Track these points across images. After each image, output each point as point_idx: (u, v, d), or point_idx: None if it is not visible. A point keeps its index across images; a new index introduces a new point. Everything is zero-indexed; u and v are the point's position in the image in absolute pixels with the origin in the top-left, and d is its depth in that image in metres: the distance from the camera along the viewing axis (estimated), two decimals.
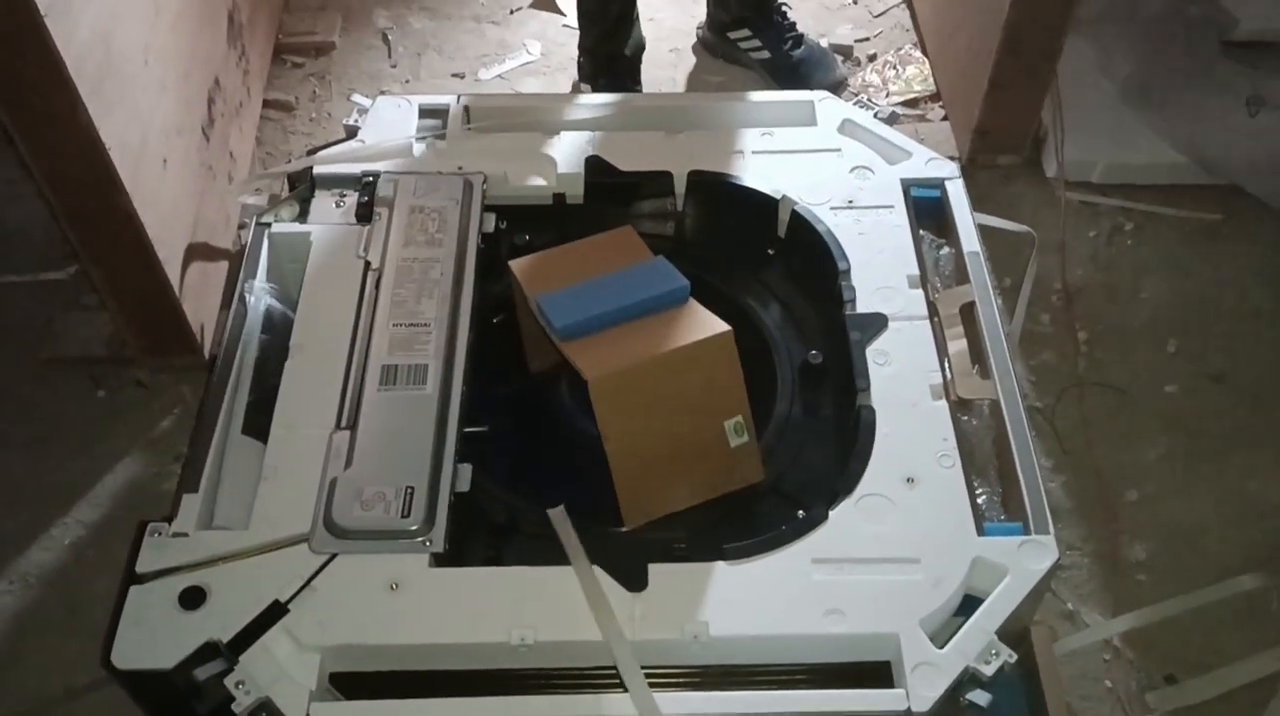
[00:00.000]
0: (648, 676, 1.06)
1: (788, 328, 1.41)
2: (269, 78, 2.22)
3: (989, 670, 1.04)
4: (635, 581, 1.09)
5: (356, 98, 1.60)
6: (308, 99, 2.22)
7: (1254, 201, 1.96)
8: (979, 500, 1.20)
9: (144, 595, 1.09)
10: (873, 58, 2.29)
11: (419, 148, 1.50)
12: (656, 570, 1.10)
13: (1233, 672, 1.47)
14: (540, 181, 1.48)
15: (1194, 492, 1.65)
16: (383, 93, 1.98)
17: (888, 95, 2.19)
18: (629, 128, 1.54)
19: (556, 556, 1.13)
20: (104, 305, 1.69)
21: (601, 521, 1.20)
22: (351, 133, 1.53)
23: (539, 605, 1.09)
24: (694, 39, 2.32)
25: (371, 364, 1.25)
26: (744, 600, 1.09)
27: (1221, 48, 2.05)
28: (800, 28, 2.21)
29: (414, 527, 1.12)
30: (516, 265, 1.32)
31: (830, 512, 1.15)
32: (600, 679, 1.09)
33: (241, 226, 1.90)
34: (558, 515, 1.15)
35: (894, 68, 2.24)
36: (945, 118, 2.15)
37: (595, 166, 1.48)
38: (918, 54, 2.26)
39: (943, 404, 1.25)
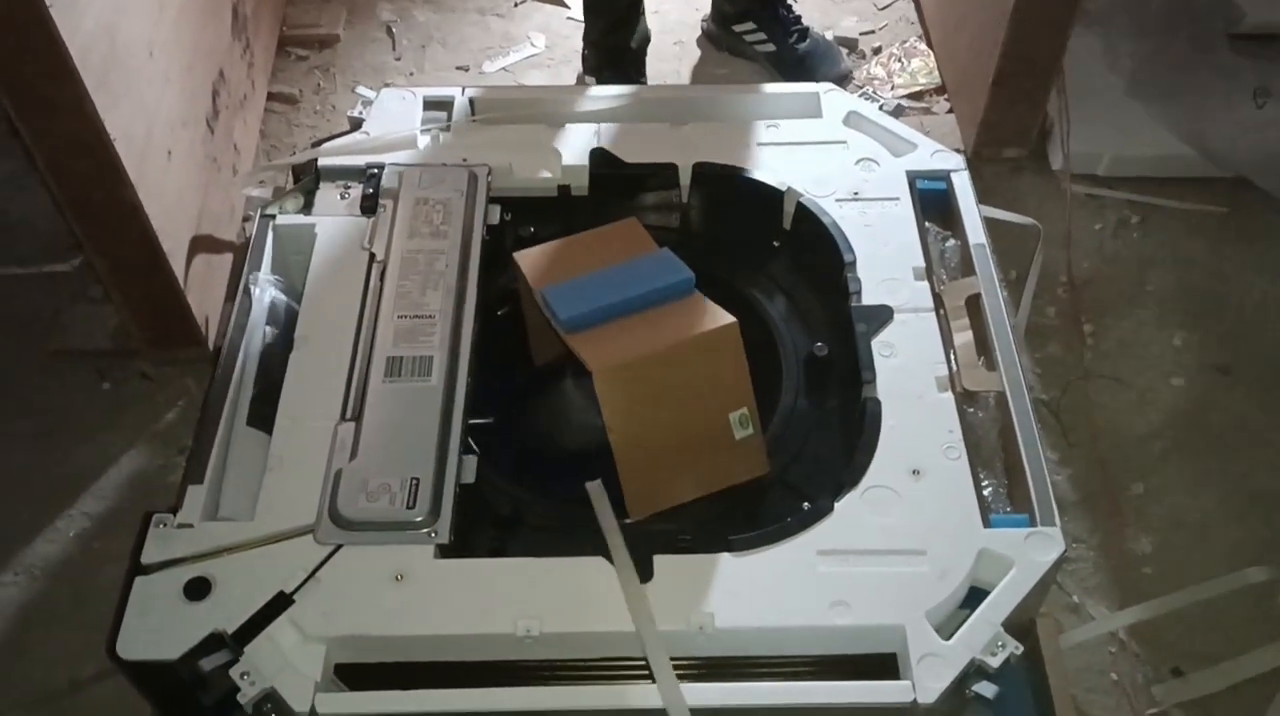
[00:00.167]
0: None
1: (793, 320, 1.41)
2: (273, 70, 2.22)
3: (995, 662, 1.04)
4: (641, 572, 1.09)
5: (361, 89, 1.59)
6: (312, 92, 2.22)
7: (1260, 194, 1.96)
8: (985, 492, 1.19)
9: (149, 586, 1.09)
10: (878, 51, 2.28)
11: (424, 140, 1.50)
12: (662, 561, 1.10)
13: (1239, 665, 1.47)
14: (545, 173, 1.48)
15: (1200, 485, 1.64)
16: (387, 85, 1.97)
17: (893, 88, 2.19)
18: (634, 119, 1.54)
19: (561, 548, 1.13)
20: (109, 297, 1.69)
21: None
22: (356, 125, 1.53)
23: (544, 596, 1.08)
24: (698, 32, 2.32)
25: (376, 355, 1.25)
26: (749, 592, 1.09)
27: (1228, 40, 2.04)
28: (805, 20, 2.20)
29: (419, 519, 1.12)
30: (521, 257, 1.32)
31: (836, 504, 1.15)
32: (606, 670, 1.09)
33: (246, 219, 1.90)
34: (595, 488, 1.15)
35: (899, 60, 2.24)
36: (950, 110, 2.14)
37: (600, 158, 1.48)
38: (923, 47, 2.26)
39: (948, 396, 1.25)
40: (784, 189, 1.45)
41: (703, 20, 2.30)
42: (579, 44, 2.19)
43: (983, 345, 1.32)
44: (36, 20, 1.26)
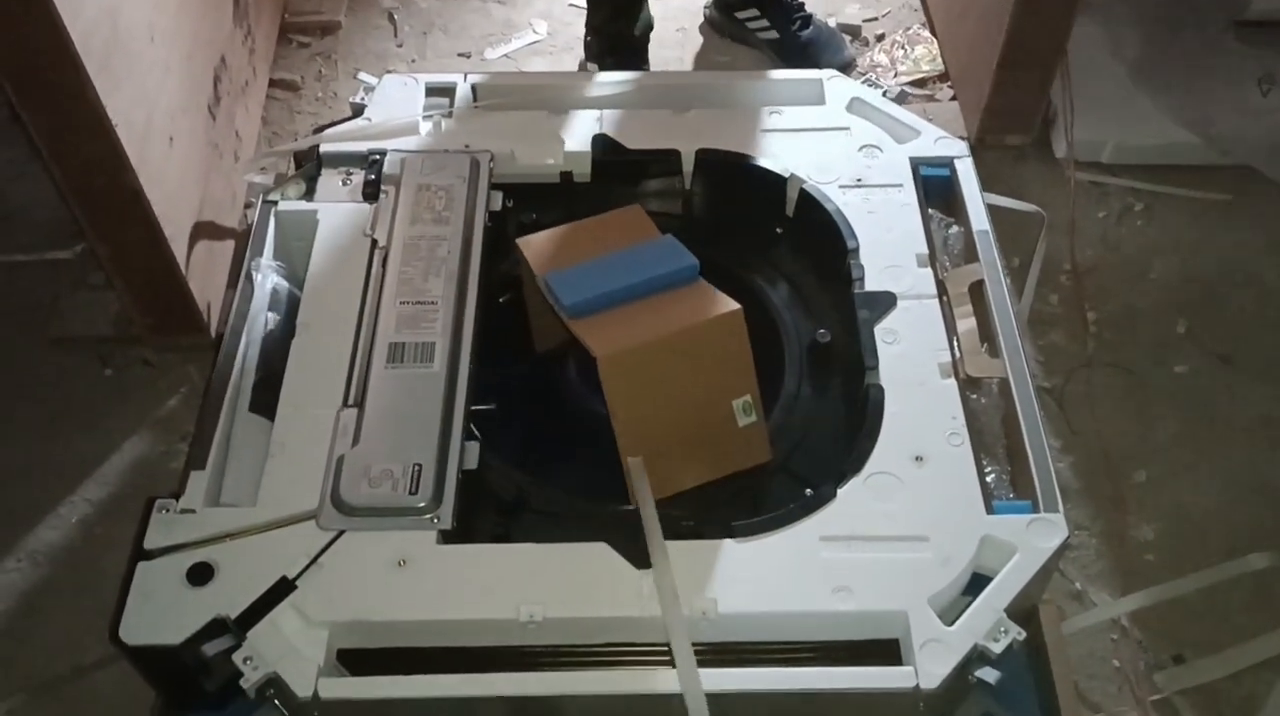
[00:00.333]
0: (657, 652, 1.06)
1: (796, 306, 1.41)
2: (275, 57, 2.21)
3: (998, 647, 1.04)
4: (643, 558, 1.09)
5: (363, 75, 1.59)
6: (313, 78, 2.21)
7: (1264, 182, 1.95)
8: (988, 479, 1.20)
9: (152, 571, 1.09)
10: (881, 38, 2.27)
11: (426, 126, 1.49)
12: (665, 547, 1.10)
13: (1241, 652, 1.47)
14: (548, 160, 1.47)
15: (1203, 473, 1.64)
16: (389, 72, 1.97)
17: (896, 75, 2.18)
18: (637, 106, 1.53)
19: (564, 534, 1.13)
20: (110, 284, 1.69)
21: (609, 499, 1.20)
22: (358, 111, 1.52)
23: (546, 582, 1.09)
24: (701, 19, 2.31)
25: (379, 341, 1.25)
26: (752, 577, 1.09)
27: (1233, 27, 2.04)
28: (808, 7, 2.20)
29: (422, 505, 1.12)
30: (524, 243, 1.31)
31: (838, 491, 1.15)
32: (607, 655, 1.09)
33: (248, 205, 1.89)
34: (636, 465, 1.15)
35: (902, 48, 2.23)
36: (954, 97, 2.13)
37: (603, 145, 1.47)
38: (926, 34, 2.25)
39: (951, 382, 1.25)
40: (787, 175, 1.44)
41: (705, 7, 2.30)
42: (581, 31, 2.18)
43: (986, 332, 1.31)
44: (38, 2, 1.26)
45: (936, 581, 1.09)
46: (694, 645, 1.08)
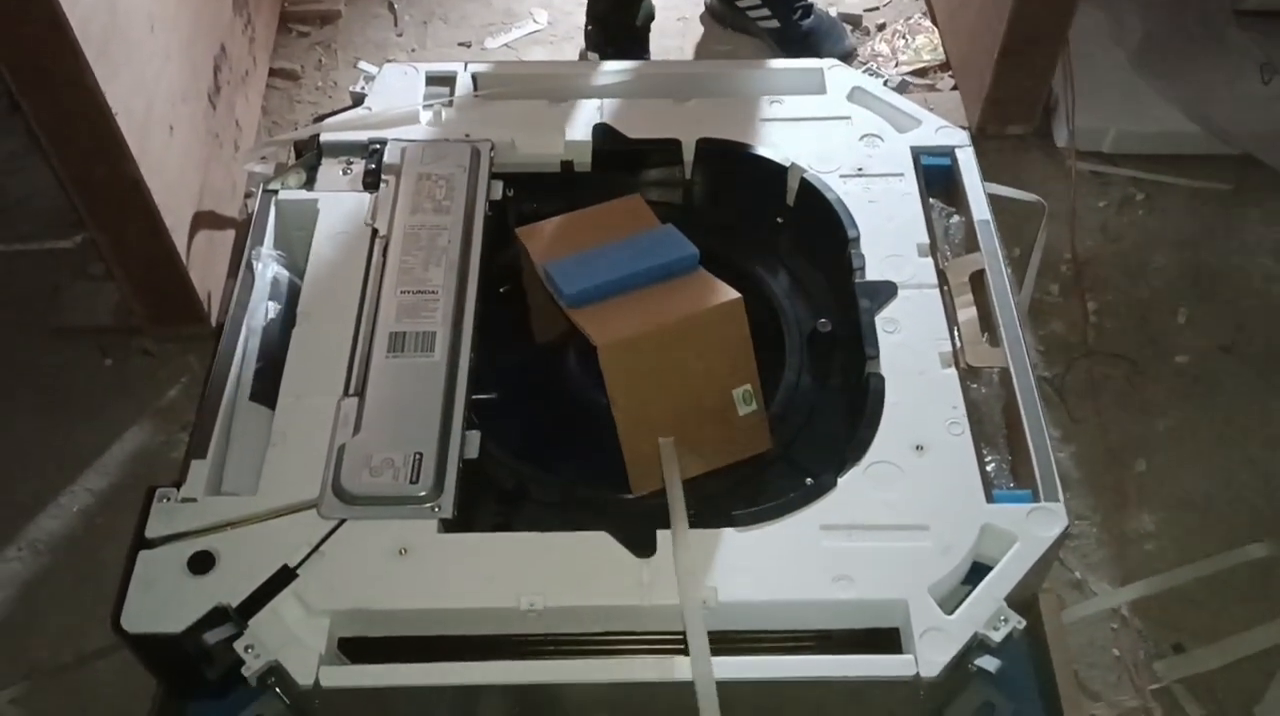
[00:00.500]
0: (657, 640, 1.06)
1: (796, 296, 1.41)
2: (275, 46, 2.21)
3: (998, 636, 1.04)
4: (644, 547, 1.09)
5: (363, 65, 1.59)
6: (313, 68, 2.21)
7: (1265, 171, 1.95)
8: (988, 468, 1.19)
9: (153, 560, 1.09)
10: (882, 27, 2.27)
11: (426, 115, 1.49)
12: (665, 536, 1.10)
13: (1241, 642, 1.47)
14: (548, 149, 1.47)
15: (1203, 463, 1.64)
16: (389, 61, 1.96)
17: (897, 65, 2.18)
18: (637, 95, 1.53)
19: (564, 523, 1.13)
20: (111, 274, 1.69)
21: (609, 488, 1.20)
22: (358, 100, 1.52)
23: (547, 571, 1.08)
24: (702, 8, 2.31)
25: (379, 331, 1.25)
26: (752, 566, 1.09)
27: (1235, 16, 2.03)
28: None
29: (423, 494, 1.12)
30: (524, 232, 1.31)
31: (839, 480, 1.15)
32: (608, 643, 1.09)
33: (248, 194, 1.89)
34: (667, 447, 1.15)
35: (903, 37, 2.23)
36: (955, 87, 2.13)
37: (603, 134, 1.47)
38: (927, 23, 2.25)
39: (952, 372, 1.25)
40: (788, 165, 1.44)
41: None
42: (582, 20, 2.18)
43: (986, 321, 1.31)
44: None
45: (937, 570, 1.09)
46: None
